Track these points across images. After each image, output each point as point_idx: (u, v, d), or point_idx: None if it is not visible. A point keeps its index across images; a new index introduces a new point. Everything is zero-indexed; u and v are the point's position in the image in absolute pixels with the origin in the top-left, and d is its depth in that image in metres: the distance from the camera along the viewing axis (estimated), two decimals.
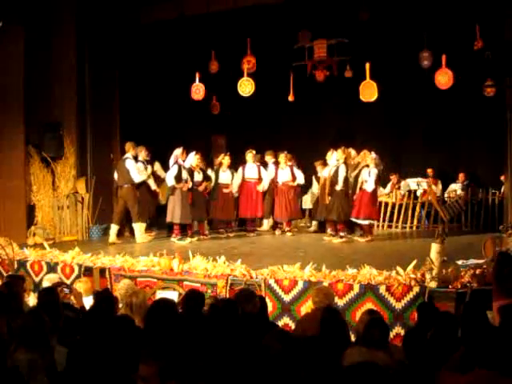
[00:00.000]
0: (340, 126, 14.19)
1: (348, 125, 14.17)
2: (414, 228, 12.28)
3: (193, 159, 10.68)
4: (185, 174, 10.39)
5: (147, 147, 10.86)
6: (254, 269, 7.21)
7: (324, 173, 10.85)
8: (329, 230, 10.71)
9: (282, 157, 11.37)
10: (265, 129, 14.11)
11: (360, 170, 10.40)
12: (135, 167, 10.39)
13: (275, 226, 11.72)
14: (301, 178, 11.65)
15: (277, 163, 11.58)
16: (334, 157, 10.54)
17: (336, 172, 10.34)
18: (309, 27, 11.52)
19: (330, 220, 10.60)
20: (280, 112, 13.92)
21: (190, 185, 10.45)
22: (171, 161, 10.48)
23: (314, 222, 11.83)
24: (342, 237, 10.31)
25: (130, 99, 12.04)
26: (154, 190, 10.91)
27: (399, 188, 12.83)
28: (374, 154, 10.37)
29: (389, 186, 12.99)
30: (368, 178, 10.20)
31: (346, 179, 10.35)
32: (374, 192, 10.31)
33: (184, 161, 10.51)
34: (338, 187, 10.29)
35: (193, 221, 10.70)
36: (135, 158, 10.55)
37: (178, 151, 10.47)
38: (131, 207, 10.38)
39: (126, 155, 10.50)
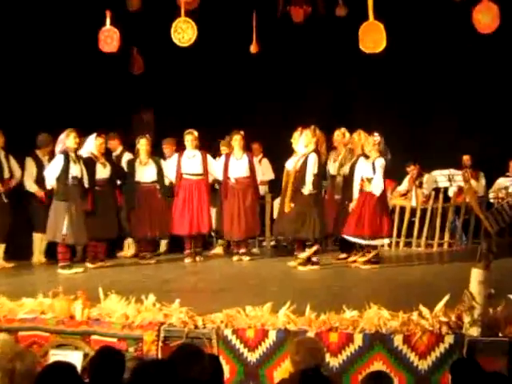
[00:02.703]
0: (330, 93, 14.27)
1: (343, 90, 14.26)
2: (445, 246, 12.40)
3: (93, 145, 10.73)
4: (75, 169, 10.39)
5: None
6: (201, 313, 7.20)
7: (288, 164, 10.80)
8: (296, 252, 10.68)
9: (237, 140, 11.33)
10: (213, 97, 14.12)
11: (355, 162, 10.37)
12: None
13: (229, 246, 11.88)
14: (269, 173, 11.68)
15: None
16: (303, 141, 10.45)
17: (303, 166, 10.26)
18: None
19: (298, 238, 10.57)
20: (237, 71, 13.93)
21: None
22: (56, 149, 10.57)
23: (272, 242, 12.01)
24: (313, 263, 10.26)
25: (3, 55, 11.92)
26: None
27: (421, 185, 12.92)
28: (377, 137, 10.25)
29: (405, 181, 13.04)
30: (372, 174, 10.09)
31: (319, 177, 10.32)
32: (383, 196, 10.28)
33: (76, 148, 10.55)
34: (306, 190, 10.20)
35: (92, 240, 10.70)
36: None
37: (62, 135, 10.54)
38: None
39: None
